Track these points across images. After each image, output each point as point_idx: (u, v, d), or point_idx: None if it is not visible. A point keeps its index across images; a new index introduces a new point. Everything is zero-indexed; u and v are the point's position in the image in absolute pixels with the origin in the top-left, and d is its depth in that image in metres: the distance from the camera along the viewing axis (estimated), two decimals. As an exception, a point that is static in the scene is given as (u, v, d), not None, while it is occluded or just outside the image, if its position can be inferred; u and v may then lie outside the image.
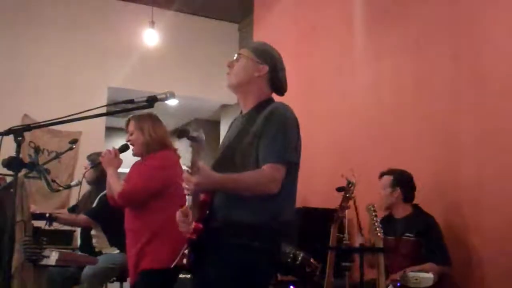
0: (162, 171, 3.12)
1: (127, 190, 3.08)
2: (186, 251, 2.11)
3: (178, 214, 2.16)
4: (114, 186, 3.13)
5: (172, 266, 2.17)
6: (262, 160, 2.08)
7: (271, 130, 2.11)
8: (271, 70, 2.27)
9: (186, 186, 1.99)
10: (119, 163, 3.24)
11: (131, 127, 3.23)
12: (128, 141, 3.25)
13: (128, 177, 3.26)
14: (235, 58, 2.30)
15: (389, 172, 3.58)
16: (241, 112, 2.34)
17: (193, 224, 2.06)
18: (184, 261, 2.10)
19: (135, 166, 3.27)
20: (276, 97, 2.34)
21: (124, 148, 3.26)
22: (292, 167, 2.14)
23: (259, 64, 2.26)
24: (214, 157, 2.27)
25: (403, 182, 3.53)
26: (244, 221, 2.05)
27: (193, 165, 1.95)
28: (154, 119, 3.26)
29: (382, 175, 3.62)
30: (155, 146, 3.18)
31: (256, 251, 2.05)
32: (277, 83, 2.31)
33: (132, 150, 3.24)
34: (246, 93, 2.28)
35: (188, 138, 1.94)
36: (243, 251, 2.04)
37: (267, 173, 2.05)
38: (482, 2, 3.57)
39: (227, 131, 2.39)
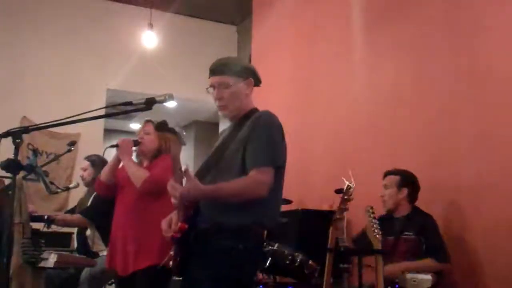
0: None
1: (153, 177, 3.12)
2: (172, 253, 2.14)
3: (163, 222, 2.22)
4: (139, 172, 3.18)
5: (159, 266, 2.22)
6: (250, 164, 2.13)
7: (257, 135, 2.17)
8: (254, 77, 2.35)
9: (172, 193, 2.05)
10: (132, 154, 3.33)
11: (150, 129, 3.34)
12: (140, 138, 3.33)
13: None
14: (217, 87, 2.29)
15: (395, 172, 3.58)
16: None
17: (178, 224, 2.10)
18: (171, 263, 2.14)
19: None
20: (268, 101, 2.40)
21: (137, 143, 3.32)
22: (278, 171, 2.18)
23: (245, 81, 2.32)
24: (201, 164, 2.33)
25: (410, 182, 3.54)
26: (230, 223, 2.10)
27: (178, 176, 2.01)
28: (176, 138, 3.40)
29: (387, 174, 3.61)
30: (163, 153, 3.32)
31: (241, 253, 2.10)
32: (258, 83, 2.39)
33: (139, 147, 3.33)
34: (238, 111, 2.34)
35: (167, 131, 1.99)
36: (228, 253, 2.09)
37: (255, 178, 2.10)
38: (481, 2, 3.58)
39: (217, 141, 2.45)
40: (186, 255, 2.13)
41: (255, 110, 2.35)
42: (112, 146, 3.33)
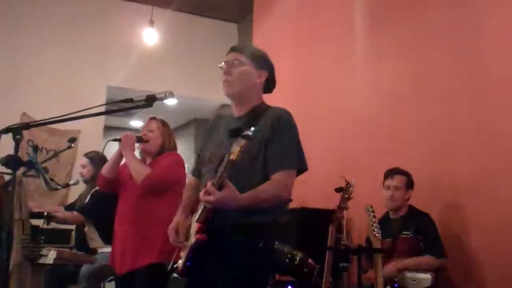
0: (179, 167, 3.29)
1: (154, 174, 3.13)
2: (181, 253, 2.11)
3: (170, 231, 2.20)
4: (141, 168, 3.18)
5: (168, 269, 2.19)
6: (275, 166, 2.09)
7: (282, 137, 2.12)
8: (269, 74, 2.30)
9: (206, 198, 1.92)
10: (134, 149, 3.34)
11: (154, 126, 3.35)
12: (144, 135, 3.33)
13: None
14: (229, 63, 2.24)
15: (402, 172, 3.56)
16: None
17: (196, 225, 2.06)
18: (179, 262, 2.11)
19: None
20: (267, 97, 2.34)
21: (140, 140, 3.32)
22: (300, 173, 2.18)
23: (259, 70, 2.26)
24: (209, 159, 2.24)
25: (413, 184, 3.54)
26: (250, 222, 2.06)
27: (218, 180, 1.90)
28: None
29: (395, 173, 3.56)
30: (166, 151, 3.35)
31: (260, 251, 2.08)
32: (272, 86, 2.35)
33: (143, 145, 3.34)
34: (244, 98, 2.27)
35: (241, 137, 1.87)
36: (249, 251, 2.05)
37: (280, 183, 2.08)
38: (482, 4, 3.57)
39: (211, 130, 2.37)
40: (200, 257, 2.08)
41: (266, 105, 2.29)
42: (114, 140, 3.31)
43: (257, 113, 2.21)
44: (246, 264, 2.04)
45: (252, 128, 1.86)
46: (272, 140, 2.11)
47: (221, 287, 2.06)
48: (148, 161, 3.34)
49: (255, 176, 2.08)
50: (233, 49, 2.29)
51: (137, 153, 3.38)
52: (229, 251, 2.05)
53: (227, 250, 2.06)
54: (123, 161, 3.31)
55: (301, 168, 2.16)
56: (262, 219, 2.07)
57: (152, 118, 3.41)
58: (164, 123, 3.42)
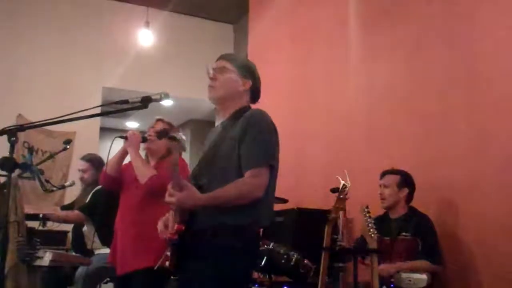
0: (183, 173, 3.24)
1: (158, 177, 3.10)
2: (168, 253, 2.14)
3: (160, 222, 2.22)
4: (146, 169, 3.18)
5: (155, 267, 2.21)
6: (245, 165, 2.12)
7: (251, 136, 2.15)
8: (253, 84, 2.35)
9: (168, 199, 2.03)
10: (139, 148, 3.32)
11: (161, 127, 3.31)
12: (149, 135, 3.31)
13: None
14: (215, 69, 2.31)
15: (395, 171, 3.58)
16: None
17: (175, 226, 2.09)
18: (167, 263, 2.13)
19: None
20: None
21: (145, 139, 3.31)
22: (272, 170, 2.18)
23: (243, 79, 2.32)
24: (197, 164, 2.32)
25: (410, 183, 3.55)
26: (228, 223, 2.10)
27: (176, 182, 2.00)
28: (177, 144, 3.41)
29: (385, 173, 3.61)
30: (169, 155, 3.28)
31: (239, 252, 2.10)
32: (257, 95, 2.39)
33: (148, 145, 3.32)
34: (227, 105, 2.33)
35: (168, 138, 1.95)
36: (226, 252, 2.08)
37: (250, 181, 2.09)
38: (477, 3, 3.59)
39: (207, 139, 2.44)
40: (183, 256, 2.12)
41: (247, 107, 2.34)
42: (120, 137, 3.29)
43: (237, 116, 2.26)
44: (225, 265, 2.08)
45: (180, 132, 1.98)
46: (243, 140, 2.15)
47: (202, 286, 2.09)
48: (153, 162, 3.32)
49: (232, 176, 2.11)
50: (221, 57, 2.37)
51: (142, 153, 3.36)
52: (207, 254, 2.09)
53: (204, 251, 2.09)
54: (127, 159, 3.30)
55: (270, 164, 2.16)
56: (239, 221, 2.10)
57: (159, 120, 3.38)
58: (170, 125, 3.38)
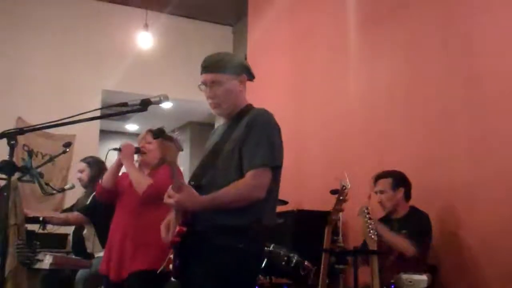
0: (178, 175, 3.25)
1: (156, 185, 3.08)
2: (171, 256, 2.14)
3: (162, 226, 2.23)
4: (142, 178, 3.18)
5: (158, 271, 2.20)
6: (247, 165, 2.11)
7: (254, 136, 2.14)
8: (245, 71, 2.33)
9: (167, 200, 2.05)
10: (133, 159, 3.33)
11: (151, 138, 3.29)
12: (142, 147, 3.32)
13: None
14: (209, 85, 2.25)
15: (386, 174, 3.57)
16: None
17: (177, 228, 2.09)
18: (170, 266, 2.13)
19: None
20: (262, 100, 2.38)
21: (138, 151, 3.32)
22: (276, 171, 2.17)
23: (238, 77, 2.29)
24: (198, 164, 2.32)
25: (403, 181, 3.54)
26: (229, 224, 2.09)
27: (175, 184, 2.01)
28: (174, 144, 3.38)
29: (377, 178, 3.60)
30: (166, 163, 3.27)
31: (241, 252, 2.09)
32: (251, 74, 2.36)
33: (142, 157, 3.33)
34: (232, 109, 2.31)
35: (164, 138, 1.96)
36: (228, 252, 2.07)
37: (250, 182, 2.08)
38: (475, 4, 3.59)
39: (209, 139, 2.43)
40: (186, 258, 2.12)
41: (250, 106, 2.32)
42: (114, 149, 3.31)
43: (241, 116, 2.26)
44: (227, 266, 2.07)
45: (177, 132, 1.98)
46: (245, 140, 2.14)
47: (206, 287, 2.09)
48: (146, 172, 3.33)
49: (233, 176, 2.11)
50: (205, 70, 2.27)
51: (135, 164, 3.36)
52: (210, 255, 2.08)
53: (206, 252, 2.09)
54: (122, 169, 3.31)
55: (274, 165, 2.15)
56: (240, 221, 2.09)
57: (149, 131, 3.35)
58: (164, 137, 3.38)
